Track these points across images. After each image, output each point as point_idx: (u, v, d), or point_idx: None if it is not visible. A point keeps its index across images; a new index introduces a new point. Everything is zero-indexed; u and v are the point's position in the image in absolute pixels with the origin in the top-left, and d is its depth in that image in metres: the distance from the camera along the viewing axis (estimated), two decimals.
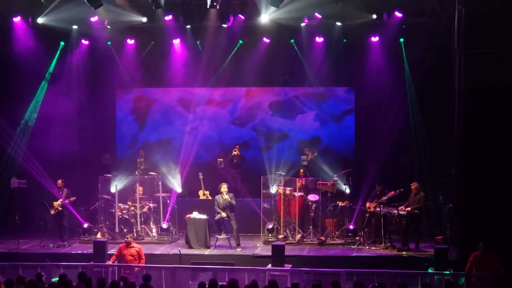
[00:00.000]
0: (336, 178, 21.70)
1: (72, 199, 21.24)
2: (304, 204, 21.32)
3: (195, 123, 24.47)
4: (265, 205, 21.70)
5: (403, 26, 21.84)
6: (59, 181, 21.27)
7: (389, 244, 20.15)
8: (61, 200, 21.06)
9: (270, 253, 18.22)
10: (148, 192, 22.05)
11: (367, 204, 20.81)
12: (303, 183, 21.43)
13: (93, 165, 23.48)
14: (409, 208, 19.87)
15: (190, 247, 20.43)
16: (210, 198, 22.34)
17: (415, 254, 19.44)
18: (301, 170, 22.15)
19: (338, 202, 21.26)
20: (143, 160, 23.64)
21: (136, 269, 17.43)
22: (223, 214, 20.44)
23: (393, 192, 20.37)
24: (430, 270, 17.25)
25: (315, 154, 23.40)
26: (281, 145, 24.24)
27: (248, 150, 24.47)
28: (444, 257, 17.60)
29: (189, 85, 24.30)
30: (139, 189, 21.75)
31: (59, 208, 21.07)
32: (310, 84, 23.78)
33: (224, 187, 20.63)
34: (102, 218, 21.58)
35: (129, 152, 24.70)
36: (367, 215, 20.79)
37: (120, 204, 21.47)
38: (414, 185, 20.09)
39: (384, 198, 20.37)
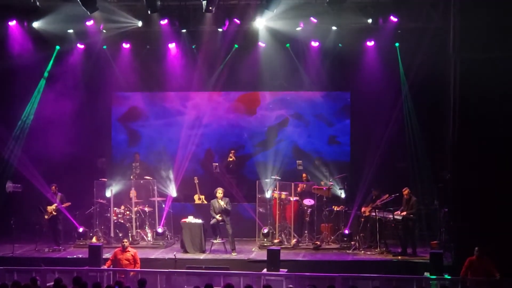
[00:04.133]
0: (332, 183, 21.75)
1: (66, 204, 21.22)
2: (299, 208, 21.34)
3: (191, 126, 24.41)
4: (261, 210, 21.69)
5: (399, 31, 21.79)
6: (53, 187, 21.27)
7: (384, 248, 20.17)
8: (55, 204, 21.04)
9: (265, 258, 18.26)
10: (144, 197, 22.03)
11: (363, 209, 20.82)
12: (304, 187, 21.47)
13: (89, 169, 23.41)
14: (404, 213, 19.87)
15: (186, 251, 20.43)
16: (205, 202, 22.33)
17: (410, 259, 19.43)
18: (304, 175, 22.15)
19: (333, 206, 21.30)
20: (139, 164, 23.60)
21: (132, 273, 17.42)
22: (218, 218, 20.44)
23: (387, 196, 20.40)
24: (433, 276, 17.17)
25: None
26: (276, 150, 24.19)
27: (244, 155, 24.42)
28: (439, 262, 17.62)
29: (185, 89, 24.28)
30: (133, 193, 21.71)
31: (53, 212, 21.05)
32: (306, 88, 23.79)
33: (219, 192, 20.63)
34: (97, 223, 21.57)
35: (124, 156, 24.64)
36: (363, 219, 20.81)
37: (115, 209, 21.46)
38: (405, 191, 20.08)
39: (378, 202, 20.39)
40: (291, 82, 23.93)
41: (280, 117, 24.47)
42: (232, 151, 23.73)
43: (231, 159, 23.60)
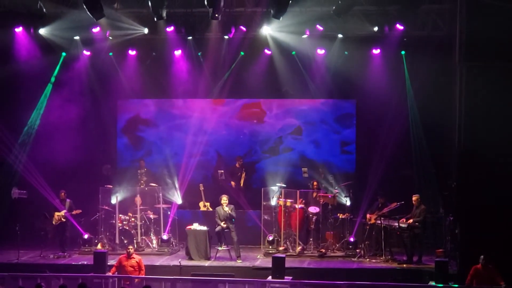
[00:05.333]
0: (337, 190, 21.72)
1: (77, 212, 21.23)
2: (304, 216, 21.32)
3: (196, 133, 24.42)
4: (266, 217, 21.69)
5: (405, 39, 21.83)
6: (62, 193, 21.30)
7: (389, 256, 20.12)
8: (64, 211, 21.05)
9: (270, 265, 18.19)
10: (149, 203, 22.04)
11: (368, 216, 20.80)
12: (316, 195, 21.46)
13: (94, 175, 23.44)
14: (410, 221, 19.83)
15: (191, 258, 20.40)
16: (210, 209, 22.32)
17: (415, 267, 19.39)
18: (315, 183, 22.12)
19: (338, 214, 21.27)
20: (144, 171, 23.58)
21: (136, 280, 17.40)
22: (223, 225, 20.43)
23: (394, 204, 20.37)
24: (439, 285, 17.12)
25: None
26: (282, 157, 24.21)
27: (249, 162, 24.39)
28: (444, 270, 17.59)
29: (190, 96, 24.30)
30: (137, 200, 21.72)
31: (62, 219, 21.06)
32: (311, 96, 23.80)
33: (224, 199, 20.63)
34: (102, 229, 21.56)
35: (130, 163, 24.64)
36: (368, 227, 20.79)
37: (120, 215, 21.46)
38: (415, 198, 20.07)
39: (385, 210, 20.37)
40: (296, 90, 23.92)
41: (286, 125, 24.44)
42: (240, 159, 23.67)
43: (237, 166, 23.55)
